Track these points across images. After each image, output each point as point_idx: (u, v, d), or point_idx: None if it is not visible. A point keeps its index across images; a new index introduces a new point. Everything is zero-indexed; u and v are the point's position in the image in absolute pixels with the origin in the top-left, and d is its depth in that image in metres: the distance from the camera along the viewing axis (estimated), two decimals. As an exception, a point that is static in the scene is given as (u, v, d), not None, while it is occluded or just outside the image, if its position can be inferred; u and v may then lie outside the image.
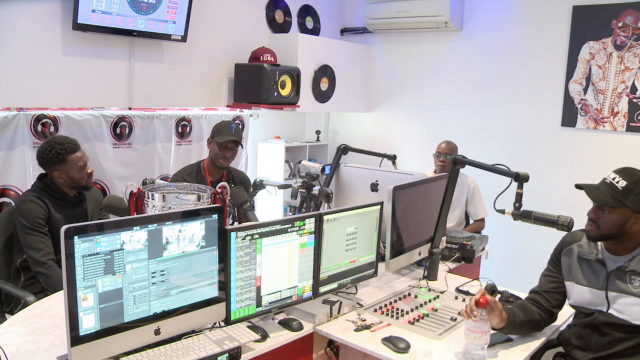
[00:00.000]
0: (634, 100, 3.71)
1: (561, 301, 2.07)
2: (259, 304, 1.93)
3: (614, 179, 1.86)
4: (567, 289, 2.03)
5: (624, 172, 1.86)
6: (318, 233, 2.08)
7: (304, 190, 2.90)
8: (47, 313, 2.03)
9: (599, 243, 1.96)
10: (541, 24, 4.03)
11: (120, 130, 3.60)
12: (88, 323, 1.51)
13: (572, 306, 2.03)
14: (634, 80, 3.71)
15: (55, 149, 2.53)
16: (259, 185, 2.83)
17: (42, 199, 2.51)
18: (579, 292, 1.98)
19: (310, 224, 2.05)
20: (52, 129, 3.23)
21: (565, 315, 2.20)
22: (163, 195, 2.07)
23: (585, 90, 3.89)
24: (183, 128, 3.99)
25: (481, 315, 1.78)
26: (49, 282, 2.41)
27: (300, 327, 1.97)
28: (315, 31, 4.79)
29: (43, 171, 2.63)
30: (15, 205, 2.61)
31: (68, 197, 2.63)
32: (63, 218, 2.54)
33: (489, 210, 3.60)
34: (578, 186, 1.92)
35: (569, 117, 3.97)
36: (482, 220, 3.69)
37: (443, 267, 2.70)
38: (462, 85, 4.45)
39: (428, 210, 2.60)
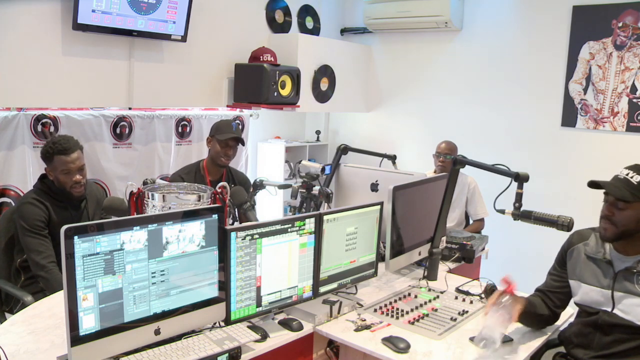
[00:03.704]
0: (634, 100, 3.71)
1: (565, 301, 2.07)
2: (259, 304, 1.93)
3: (627, 174, 1.85)
4: (572, 288, 2.02)
5: (636, 167, 1.86)
6: (318, 233, 2.08)
7: (304, 190, 2.90)
8: (47, 313, 2.03)
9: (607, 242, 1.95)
10: (541, 24, 4.03)
11: (120, 130, 3.60)
12: (88, 323, 1.51)
13: (577, 304, 2.02)
14: (634, 80, 3.71)
15: (49, 145, 2.54)
16: (259, 185, 2.83)
17: (42, 201, 2.50)
18: (585, 291, 1.97)
19: (310, 224, 2.05)
20: (52, 129, 3.23)
21: (565, 315, 2.20)
22: (163, 195, 2.07)
23: (585, 90, 3.89)
24: (183, 128, 3.99)
25: (506, 302, 1.78)
26: (49, 286, 2.41)
27: (300, 327, 1.97)
28: (315, 31, 4.78)
29: (43, 171, 2.63)
30: (16, 206, 2.60)
31: (69, 198, 2.61)
32: (63, 220, 2.53)
33: (489, 210, 3.60)
34: (594, 183, 1.89)
35: (569, 117, 3.97)
36: (482, 220, 3.69)
37: (443, 267, 2.70)
38: (462, 85, 4.45)
39: (428, 210, 2.60)
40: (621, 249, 1.92)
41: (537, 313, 2.01)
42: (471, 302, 2.29)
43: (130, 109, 3.59)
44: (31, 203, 2.49)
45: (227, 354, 1.70)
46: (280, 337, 1.90)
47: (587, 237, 2.02)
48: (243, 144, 3.31)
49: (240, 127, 4.38)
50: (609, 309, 1.90)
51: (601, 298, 1.92)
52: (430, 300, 2.28)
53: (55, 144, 2.53)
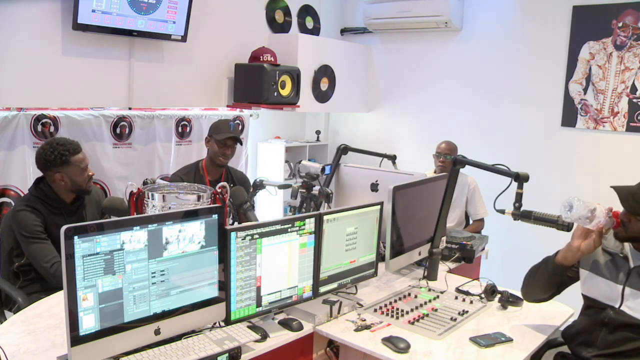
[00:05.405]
0: (634, 100, 3.71)
1: (565, 285, 2.03)
2: (259, 304, 1.93)
3: None
4: (581, 276, 2.00)
5: None
6: (318, 233, 2.08)
7: (304, 190, 2.90)
8: (47, 313, 2.03)
9: None
10: (541, 24, 4.03)
11: (120, 130, 3.59)
12: (88, 323, 1.51)
13: (585, 296, 2.00)
14: (634, 80, 3.71)
15: (58, 150, 2.47)
16: (259, 185, 2.83)
17: (36, 208, 2.46)
18: (595, 282, 1.95)
19: (310, 224, 2.05)
20: (52, 129, 3.23)
21: (565, 315, 2.21)
22: (163, 195, 2.07)
23: (585, 90, 3.89)
24: (183, 128, 3.99)
25: (607, 217, 1.81)
26: (60, 282, 2.40)
27: (300, 327, 1.97)
28: (315, 31, 4.78)
29: (41, 173, 2.60)
30: (12, 214, 2.53)
31: (64, 203, 2.58)
32: (58, 227, 2.49)
33: (489, 210, 3.60)
34: (614, 188, 1.86)
35: (569, 117, 3.97)
36: (482, 220, 3.69)
37: (443, 267, 2.70)
38: (462, 85, 4.45)
39: (428, 210, 2.60)
40: (638, 247, 1.90)
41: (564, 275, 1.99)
42: (471, 302, 2.29)
43: (130, 109, 3.59)
44: (24, 210, 2.45)
45: (227, 354, 1.70)
46: (280, 337, 1.90)
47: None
48: (241, 144, 3.32)
49: (239, 127, 4.38)
50: (617, 305, 1.88)
51: (611, 293, 1.90)
52: (430, 300, 2.28)
53: (65, 146, 2.50)
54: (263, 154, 4.69)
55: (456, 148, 3.70)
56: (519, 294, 2.32)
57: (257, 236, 1.88)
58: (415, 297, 2.32)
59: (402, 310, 2.15)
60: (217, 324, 1.86)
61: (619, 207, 1.88)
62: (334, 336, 1.99)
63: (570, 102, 3.96)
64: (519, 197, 2.25)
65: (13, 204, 3.05)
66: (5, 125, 3.05)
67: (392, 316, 2.11)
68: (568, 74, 3.94)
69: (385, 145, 4.53)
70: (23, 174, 3.14)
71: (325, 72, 4.43)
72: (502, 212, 2.27)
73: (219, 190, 2.19)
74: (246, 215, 2.61)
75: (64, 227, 1.44)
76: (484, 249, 3.04)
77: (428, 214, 2.59)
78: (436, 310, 2.20)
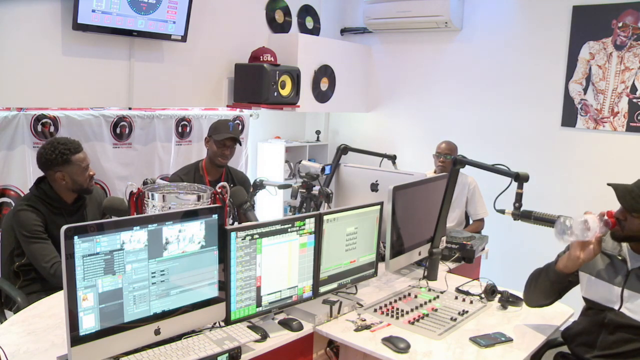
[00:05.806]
0: (634, 100, 3.71)
1: (565, 289, 2.04)
2: (259, 304, 1.93)
3: None
4: (581, 280, 2.00)
5: None
6: (318, 233, 2.08)
7: (304, 190, 2.90)
8: (47, 313, 2.03)
9: None
10: (541, 24, 4.03)
11: (120, 130, 3.59)
12: (88, 323, 1.51)
13: (585, 299, 2.01)
14: (634, 80, 3.71)
15: (59, 149, 2.47)
16: (259, 185, 2.83)
17: (37, 208, 2.46)
18: (595, 285, 1.95)
19: (310, 224, 2.05)
20: (52, 129, 3.23)
21: (565, 315, 2.21)
22: (163, 195, 2.07)
23: (585, 90, 3.89)
24: (183, 128, 3.99)
25: (603, 225, 1.82)
26: (60, 282, 2.40)
27: (300, 327, 1.97)
28: (315, 31, 4.79)
29: (42, 173, 2.60)
30: (12, 214, 2.53)
31: (65, 203, 2.57)
32: (58, 227, 2.48)
33: (489, 210, 3.60)
34: (611, 185, 1.87)
35: (569, 117, 3.97)
36: (482, 220, 3.69)
37: (443, 267, 2.70)
38: (462, 85, 4.45)
39: (428, 210, 2.60)
40: (637, 249, 1.90)
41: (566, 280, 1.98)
42: (471, 302, 2.29)
43: (130, 109, 3.59)
44: (25, 210, 2.44)
45: (227, 354, 1.70)
46: (280, 337, 1.90)
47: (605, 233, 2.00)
48: (240, 144, 3.31)
49: (239, 127, 4.38)
50: (616, 307, 1.89)
51: (610, 295, 1.90)
52: (430, 300, 2.28)
53: (66, 145, 2.49)
54: (263, 154, 4.69)
55: (456, 148, 3.70)
56: (518, 294, 2.32)
57: (257, 236, 1.88)
58: (415, 297, 2.32)
59: (402, 310, 2.15)
60: (217, 324, 1.86)
61: (615, 206, 1.88)
62: (334, 336, 1.99)
63: (570, 102, 3.96)
64: (519, 197, 2.25)
65: (13, 204, 3.05)
66: (5, 125, 3.05)
67: (392, 316, 2.11)
68: (568, 74, 3.94)
69: (385, 145, 4.53)
70: (23, 174, 3.14)
71: (325, 72, 4.43)
72: (502, 212, 2.27)
73: (219, 190, 2.19)
74: (246, 215, 2.61)
75: (63, 227, 1.45)
76: (484, 249, 3.04)
77: (428, 214, 2.60)
78: (436, 310, 2.20)
